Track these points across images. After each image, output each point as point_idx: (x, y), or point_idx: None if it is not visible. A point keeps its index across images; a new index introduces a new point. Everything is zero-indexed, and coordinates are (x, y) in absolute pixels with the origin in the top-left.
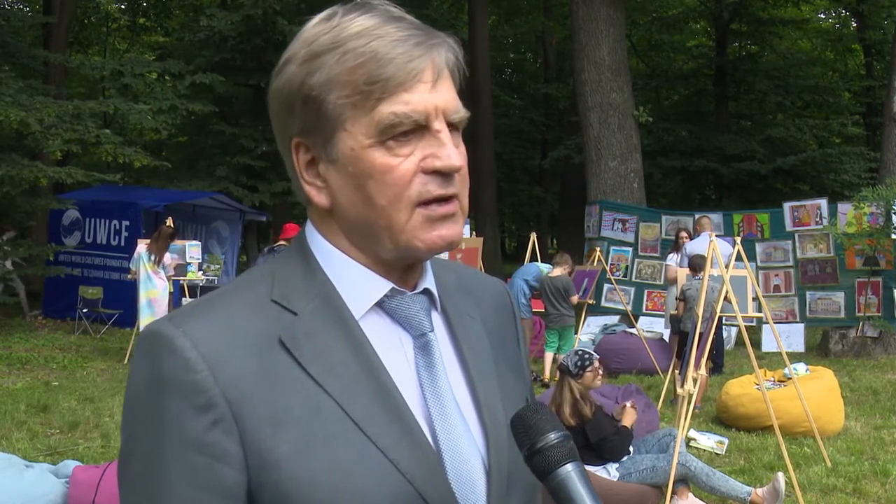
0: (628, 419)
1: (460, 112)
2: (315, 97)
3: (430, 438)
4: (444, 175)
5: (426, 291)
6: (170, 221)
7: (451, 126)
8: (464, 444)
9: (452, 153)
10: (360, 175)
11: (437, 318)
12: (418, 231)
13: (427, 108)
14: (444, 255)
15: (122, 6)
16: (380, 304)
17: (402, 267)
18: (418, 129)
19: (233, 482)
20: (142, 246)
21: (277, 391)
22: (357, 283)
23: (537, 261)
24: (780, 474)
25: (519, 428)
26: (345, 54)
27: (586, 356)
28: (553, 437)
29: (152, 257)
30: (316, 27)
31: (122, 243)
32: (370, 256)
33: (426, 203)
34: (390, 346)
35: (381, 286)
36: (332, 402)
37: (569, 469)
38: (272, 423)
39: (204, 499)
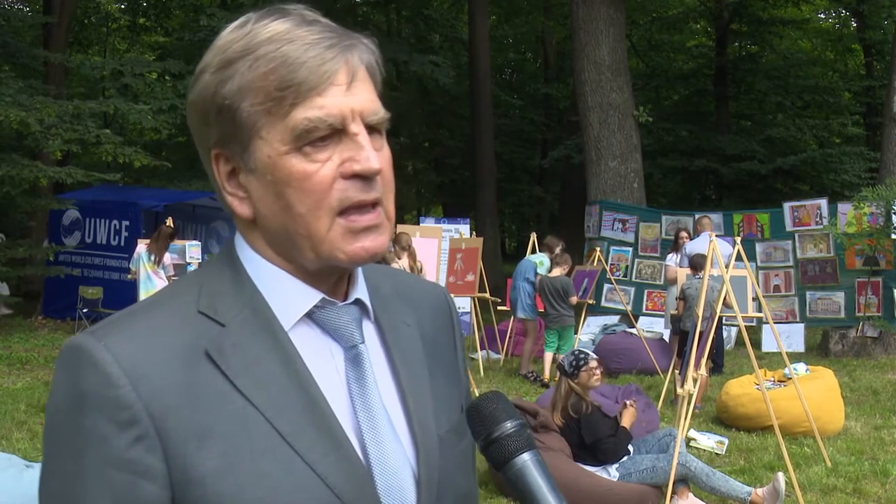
0: (627, 419)
1: (379, 113)
2: (229, 106)
3: (359, 452)
4: (365, 179)
5: (357, 301)
6: (170, 221)
7: (371, 128)
8: (394, 456)
9: (371, 156)
10: (279, 183)
11: (369, 328)
12: (339, 242)
13: (342, 111)
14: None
15: (122, 6)
16: (310, 315)
17: (331, 277)
18: (335, 133)
19: (155, 498)
20: (142, 246)
21: (203, 405)
22: (286, 294)
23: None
24: (780, 474)
25: (474, 417)
26: (256, 60)
27: (581, 356)
28: (509, 426)
29: (152, 257)
30: (229, 35)
31: (122, 243)
32: (296, 266)
33: (347, 211)
34: (320, 357)
35: (310, 297)
36: (260, 416)
37: (525, 458)
38: (197, 438)
39: None
